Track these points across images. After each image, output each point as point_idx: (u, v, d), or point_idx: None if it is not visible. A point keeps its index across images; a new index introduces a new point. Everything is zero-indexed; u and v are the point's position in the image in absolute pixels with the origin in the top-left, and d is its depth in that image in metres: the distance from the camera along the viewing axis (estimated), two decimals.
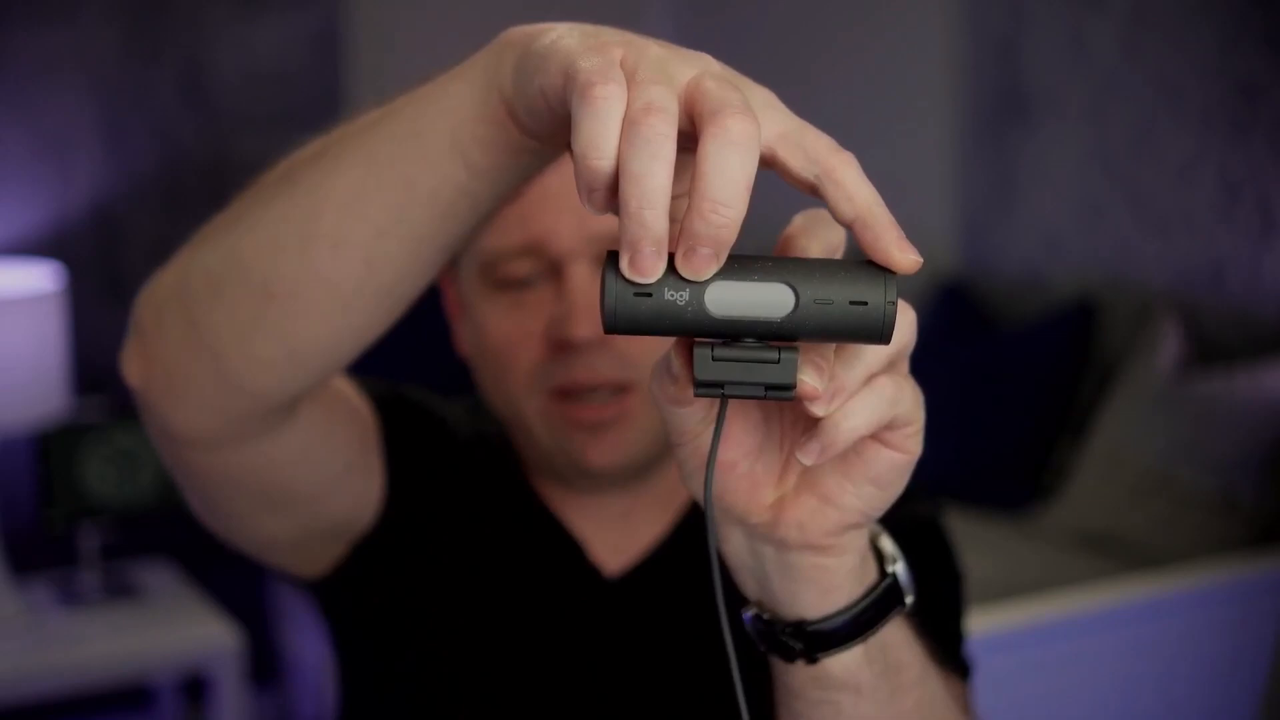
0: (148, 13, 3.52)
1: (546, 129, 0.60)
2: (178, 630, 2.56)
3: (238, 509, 0.88)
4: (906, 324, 0.58)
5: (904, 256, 0.55)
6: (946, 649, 0.92)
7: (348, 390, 0.95)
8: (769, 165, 0.56)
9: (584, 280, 0.92)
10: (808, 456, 0.56)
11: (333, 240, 0.68)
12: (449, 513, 1.03)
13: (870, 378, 0.56)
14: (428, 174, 0.66)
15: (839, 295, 0.53)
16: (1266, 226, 2.67)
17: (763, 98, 0.57)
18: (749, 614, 0.67)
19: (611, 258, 0.52)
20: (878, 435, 0.59)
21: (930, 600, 0.89)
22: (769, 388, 0.53)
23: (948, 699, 0.74)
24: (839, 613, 0.64)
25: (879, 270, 0.54)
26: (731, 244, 0.51)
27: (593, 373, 0.93)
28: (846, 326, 0.53)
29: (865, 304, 0.53)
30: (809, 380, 0.54)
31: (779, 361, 0.53)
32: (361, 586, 1.01)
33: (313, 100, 3.75)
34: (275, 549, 0.96)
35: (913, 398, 0.59)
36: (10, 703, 2.44)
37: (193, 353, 0.74)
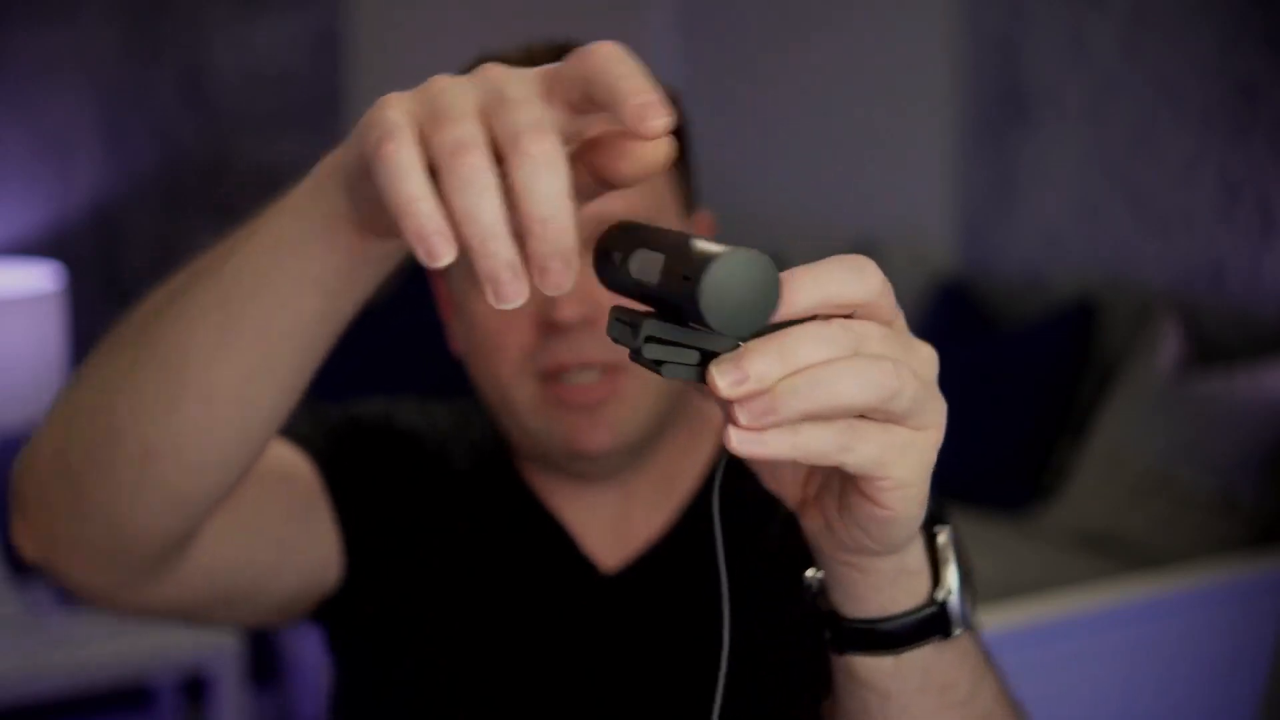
0: (148, 13, 3.52)
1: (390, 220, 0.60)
2: (178, 630, 2.56)
3: (189, 616, 0.90)
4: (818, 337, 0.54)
5: (637, 110, 0.52)
6: None
7: (271, 457, 0.94)
8: (581, 115, 0.55)
9: None
10: (726, 440, 0.53)
11: (203, 395, 0.69)
12: (432, 521, 1.02)
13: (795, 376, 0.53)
14: (283, 314, 0.66)
15: (688, 266, 0.52)
16: (1266, 226, 2.67)
17: (536, 77, 0.56)
18: (810, 575, 0.68)
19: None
20: (855, 482, 0.57)
21: None
22: (701, 357, 0.53)
23: (1002, 714, 0.74)
24: (868, 621, 0.65)
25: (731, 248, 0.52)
26: (575, 246, 0.52)
27: (580, 354, 0.94)
28: (675, 291, 0.52)
29: (688, 278, 0.51)
30: (716, 377, 0.52)
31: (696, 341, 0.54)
32: (352, 606, 1.01)
33: (313, 100, 3.75)
34: (248, 623, 0.98)
35: (883, 456, 0.55)
36: (10, 703, 2.44)
37: (82, 519, 0.75)
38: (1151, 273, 2.90)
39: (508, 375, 0.96)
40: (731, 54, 4.12)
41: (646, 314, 0.54)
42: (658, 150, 0.56)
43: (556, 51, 0.96)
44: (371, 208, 0.60)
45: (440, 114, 0.54)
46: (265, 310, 0.66)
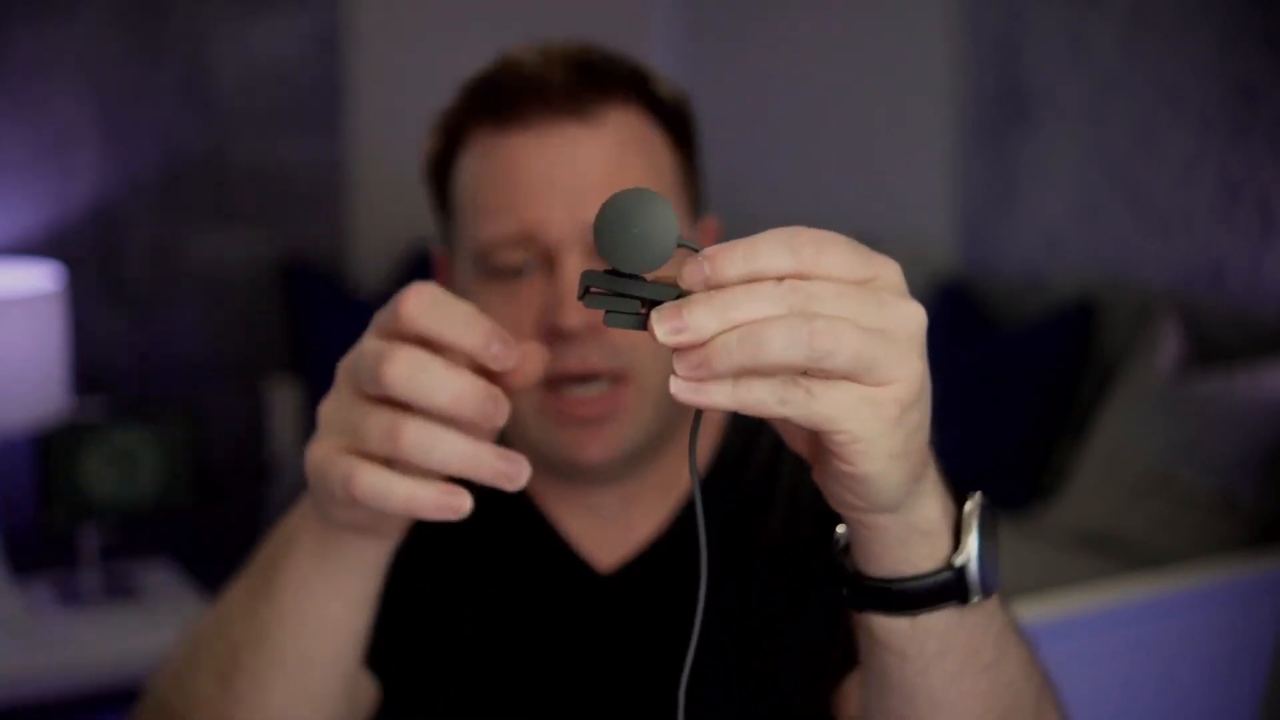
0: (148, 13, 3.52)
1: (392, 523, 0.72)
2: (178, 630, 2.56)
3: None
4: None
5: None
6: None
7: None
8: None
9: (576, 269, 0.92)
10: (678, 367, 0.54)
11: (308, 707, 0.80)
12: (428, 540, 1.02)
13: (721, 335, 0.54)
14: (340, 644, 0.78)
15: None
16: (1266, 226, 2.67)
17: (373, 327, 0.68)
18: (839, 531, 0.69)
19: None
20: (822, 436, 0.57)
21: None
22: (644, 307, 0.56)
23: (1027, 683, 0.74)
24: (884, 580, 0.65)
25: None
26: (485, 391, 0.62)
27: (584, 362, 0.93)
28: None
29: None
30: (656, 324, 0.53)
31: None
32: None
33: (313, 100, 3.75)
34: None
35: (831, 412, 0.55)
36: (10, 703, 2.44)
37: None
38: (1151, 273, 2.90)
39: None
40: (732, 54, 4.12)
41: (602, 272, 0.56)
42: (535, 369, 0.68)
43: (572, 51, 0.96)
44: (377, 520, 0.69)
45: (349, 427, 0.63)
46: (323, 657, 0.78)
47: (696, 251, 0.54)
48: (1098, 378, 2.89)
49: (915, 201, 3.51)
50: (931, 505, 0.64)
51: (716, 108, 4.09)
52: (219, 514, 3.54)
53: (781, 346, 0.52)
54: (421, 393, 0.61)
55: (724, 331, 0.53)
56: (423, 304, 0.63)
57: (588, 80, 0.94)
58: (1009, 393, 2.91)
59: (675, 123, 0.98)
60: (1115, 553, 2.51)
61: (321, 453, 0.65)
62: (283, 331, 3.75)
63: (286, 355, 3.75)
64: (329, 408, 0.65)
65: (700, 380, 0.53)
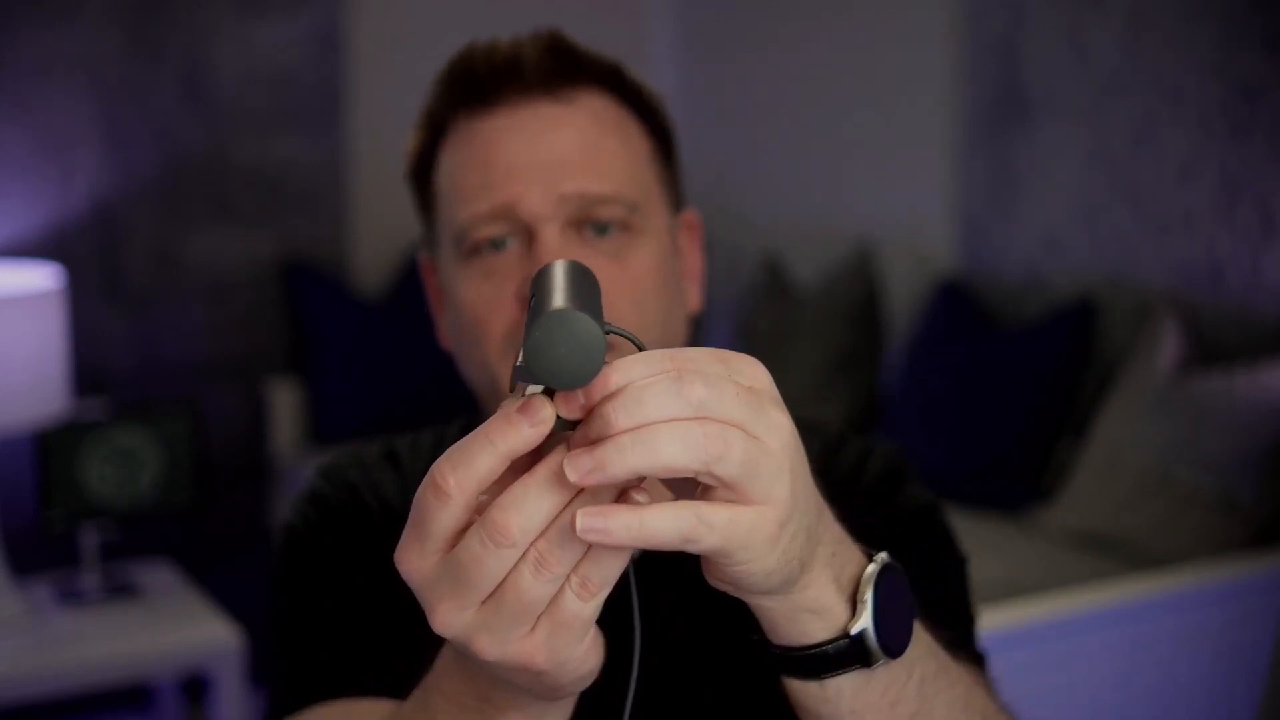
0: (148, 13, 3.53)
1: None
2: (178, 630, 2.56)
3: None
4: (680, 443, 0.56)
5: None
6: (959, 636, 0.91)
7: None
8: None
9: (555, 240, 0.93)
10: (569, 470, 0.55)
11: None
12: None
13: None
14: None
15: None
16: (1266, 226, 2.67)
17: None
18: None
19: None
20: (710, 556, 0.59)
21: (938, 588, 0.89)
22: None
23: (968, 710, 0.75)
24: (787, 649, 0.67)
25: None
26: (572, 557, 0.57)
27: None
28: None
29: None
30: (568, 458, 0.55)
31: None
32: None
33: (313, 100, 3.75)
34: None
35: (725, 544, 0.57)
36: (10, 703, 2.44)
37: None
38: (1151, 273, 2.90)
39: (494, 356, 0.96)
40: (732, 54, 4.12)
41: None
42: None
43: (543, 36, 0.96)
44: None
45: (519, 610, 0.58)
46: None
47: (627, 338, 0.56)
48: (1098, 378, 2.89)
49: (915, 201, 3.51)
50: (820, 587, 0.65)
51: (717, 109, 4.09)
52: (219, 514, 3.54)
53: (676, 450, 0.54)
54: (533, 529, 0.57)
55: (620, 434, 0.54)
56: (453, 470, 0.57)
57: (561, 62, 0.95)
58: (1009, 393, 2.91)
59: (649, 113, 0.99)
60: (1115, 553, 2.52)
61: (446, 621, 0.59)
62: (283, 331, 3.75)
63: (286, 355, 3.75)
64: (459, 620, 0.59)
65: (596, 480, 0.54)
